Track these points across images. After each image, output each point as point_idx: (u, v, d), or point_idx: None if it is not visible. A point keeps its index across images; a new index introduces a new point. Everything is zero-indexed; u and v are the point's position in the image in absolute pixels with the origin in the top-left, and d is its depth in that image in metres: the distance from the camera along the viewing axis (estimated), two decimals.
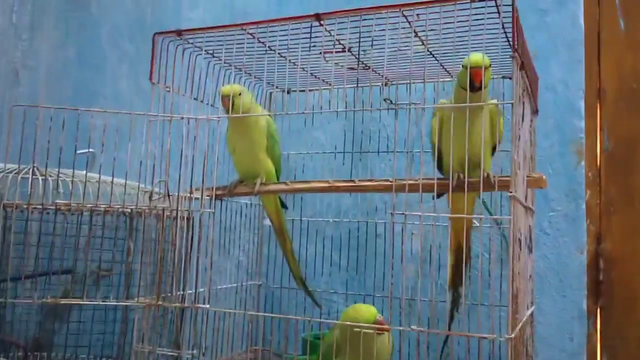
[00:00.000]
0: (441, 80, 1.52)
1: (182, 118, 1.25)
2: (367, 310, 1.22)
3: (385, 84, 1.68)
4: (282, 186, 1.48)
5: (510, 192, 1.00)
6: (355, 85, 1.63)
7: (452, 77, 1.53)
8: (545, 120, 1.57)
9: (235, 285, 1.70)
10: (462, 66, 1.22)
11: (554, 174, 1.59)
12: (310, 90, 1.71)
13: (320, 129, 1.81)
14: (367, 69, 1.56)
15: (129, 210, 1.28)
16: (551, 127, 1.60)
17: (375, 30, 1.21)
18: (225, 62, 1.40)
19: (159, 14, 2.15)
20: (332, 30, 1.24)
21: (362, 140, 1.78)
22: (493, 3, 1.05)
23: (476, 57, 1.18)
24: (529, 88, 1.30)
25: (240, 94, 1.41)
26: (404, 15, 1.13)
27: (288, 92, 1.79)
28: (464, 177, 1.19)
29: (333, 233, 1.79)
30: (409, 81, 1.50)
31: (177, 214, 1.26)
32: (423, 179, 1.18)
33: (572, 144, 1.59)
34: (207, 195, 1.37)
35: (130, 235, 1.34)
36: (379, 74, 1.58)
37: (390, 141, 1.76)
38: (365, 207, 1.75)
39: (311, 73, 1.59)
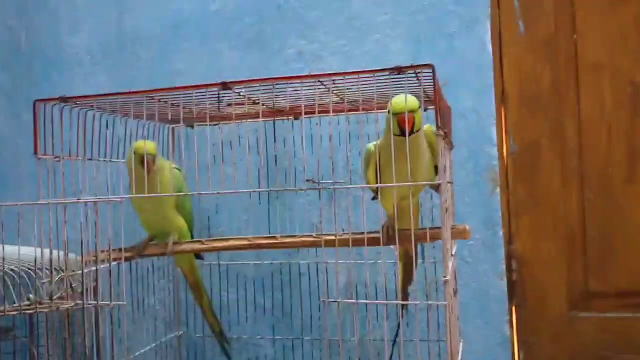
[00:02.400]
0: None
1: (79, 201, 1.11)
2: None
3: (296, 118, 1.61)
4: (197, 245, 1.39)
5: (445, 278, 0.97)
6: (266, 119, 1.54)
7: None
8: (459, 149, 1.57)
9: (155, 345, 1.59)
10: (387, 112, 1.17)
11: (470, 202, 1.60)
12: (216, 124, 1.61)
13: (230, 164, 1.71)
14: (279, 112, 1.48)
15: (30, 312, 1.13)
16: (465, 157, 1.60)
17: (289, 90, 1.13)
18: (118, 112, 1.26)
19: (34, 40, 1.91)
20: (242, 91, 1.14)
21: (277, 175, 1.69)
22: (412, 72, 1.00)
23: (399, 103, 1.11)
24: (448, 135, 1.28)
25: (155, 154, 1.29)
26: (321, 83, 1.05)
27: (192, 127, 1.66)
28: (394, 231, 1.17)
29: (255, 275, 1.71)
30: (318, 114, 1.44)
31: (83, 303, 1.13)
32: (352, 233, 1.16)
33: (487, 171, 1.60)
34: (113, 260, 1.24)
35: (31, 338, 1.19)
36: (290, 113, 1.50)
37: (307, 173, 1.69)
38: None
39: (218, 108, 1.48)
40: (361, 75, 1.02)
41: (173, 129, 1.70)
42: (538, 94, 1.65)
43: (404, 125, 1.11)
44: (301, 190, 1.17)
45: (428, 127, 1.23)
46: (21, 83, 1.94)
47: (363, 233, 1.22)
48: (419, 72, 1.01)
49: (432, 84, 1.00)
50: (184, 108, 1.24)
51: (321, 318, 1.63)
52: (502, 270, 1.60)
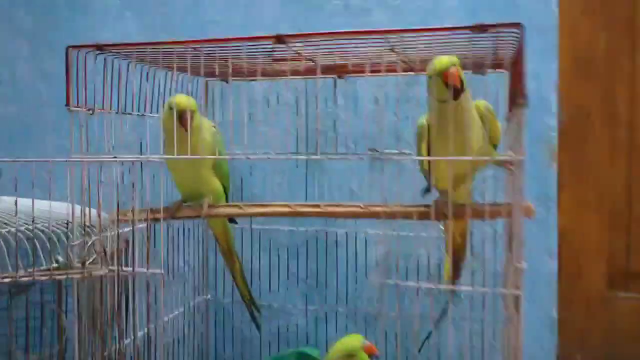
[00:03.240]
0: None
1: (117, 159, 1.01)
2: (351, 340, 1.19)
3: (340, 76, 1.49)
4: (235, 210, 1.30)
5: (518, 265, 0.87)
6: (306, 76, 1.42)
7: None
8: None
9: (183, 309, 1.52)
10: (428, 76, 1.06)
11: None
12: (253, 80, 1.50)
13: (266, 123, 1.60)
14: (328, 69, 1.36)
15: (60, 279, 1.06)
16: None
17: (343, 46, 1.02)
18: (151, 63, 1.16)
19: None
20: (296, 46, 1.02)
21: (316, 138, 1.59)
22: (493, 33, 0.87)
23: (442, 60, 1.02)
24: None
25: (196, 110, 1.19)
26: (387, 41, 0.93)
27: (227, 81, 1.54)
28: (448, 205, 1.08)
29: (288, 242, 1.62)
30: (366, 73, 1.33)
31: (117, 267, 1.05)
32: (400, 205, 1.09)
33: (544, 143, 1.49)
34: (147, 219, 1.16)
35: (59, 303, 1.12)
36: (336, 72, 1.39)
37: (349, 139, 1.58)
38: None
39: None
40: (436, 33, 0.91)
41: (207, 82, 1.59)
42: (591, 59, 1.54)
43: (451, 79, 1.00)
44: (361, 158, 1.07)
45: (480, 102, 1.13)
46: (44, 26, 1.81)
47: (412, 206, 1.13)
48: (501, 32, 0.89)
49: (514, 44, 0.89)
50: (228, 61, 1.13)
51: (357, 289, 1.55)
52: (553, 249, 1.51)
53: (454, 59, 1.02)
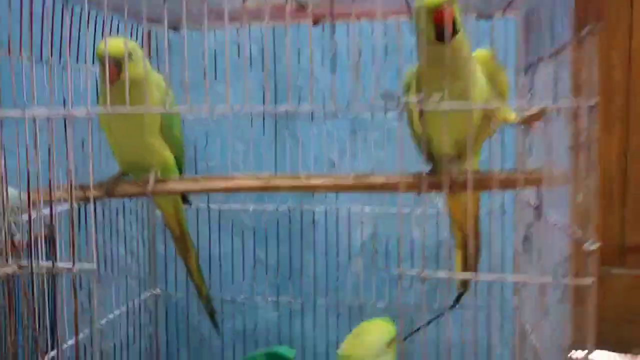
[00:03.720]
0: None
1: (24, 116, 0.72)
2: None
3: (316, 22, 1.23)
4: (189, 184, 1.03)
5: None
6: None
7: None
8: None
9: (125, 308, 1.24)
10: (417, 8, 0.84)
11: None
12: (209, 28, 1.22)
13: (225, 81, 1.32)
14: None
15: None
16: None
17: None
18: None
19: None
20: None
21: (286, 98, 1.32)
22: None
23: None
24: None
25: (131, 54, 0.91)
26: None
27: (175, 29, 1.25)
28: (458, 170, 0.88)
29: (255, 223, 1.36)
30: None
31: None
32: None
33: None
34: (77, 199, 0.88)
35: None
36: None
37: (327, 99, 1.32)
38: None
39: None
40: None
41: (149, 31, 1.30)
42: None
43: (441, 21, 0.79)
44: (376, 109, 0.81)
45: (482, 51, 0.91)
46: None
47: (420, 174, 0.90)
48: None
49: None
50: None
51: (339, 278, 1.31)
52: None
53: None
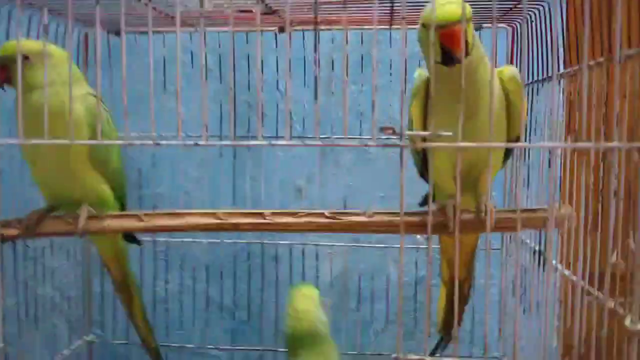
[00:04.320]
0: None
1: None
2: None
3: (281, 30, 1.08)
4: (131, 222, 0.85)
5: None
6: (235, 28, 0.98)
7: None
8: None
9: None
10: (422, 25, 0.71)
11: None
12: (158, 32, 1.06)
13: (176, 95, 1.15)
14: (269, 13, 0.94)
15: None
16: None
17: None
18: None
19: None
20: None
21: (248, 116, 1.16)
22: None
23: (442, 8, 0.67)
24: None
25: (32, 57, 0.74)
26: None
27: (117, 34, 1.07)
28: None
29: (209, 259, 1.18)
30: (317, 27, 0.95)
31: None
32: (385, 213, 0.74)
33: None
34: None
35: None
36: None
37: (296, 118, 1.16)
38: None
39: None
40: None
41: (86, 34, 1.11)
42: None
43: (451, 44, 0.66)
44: (366, 145, 0.65)
45: (506, 70, 0.77)
46: None
47: (399, 213, 0.74)
48: None
49: None
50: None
51: None
52: None
53: (457, 8, 0.65)
